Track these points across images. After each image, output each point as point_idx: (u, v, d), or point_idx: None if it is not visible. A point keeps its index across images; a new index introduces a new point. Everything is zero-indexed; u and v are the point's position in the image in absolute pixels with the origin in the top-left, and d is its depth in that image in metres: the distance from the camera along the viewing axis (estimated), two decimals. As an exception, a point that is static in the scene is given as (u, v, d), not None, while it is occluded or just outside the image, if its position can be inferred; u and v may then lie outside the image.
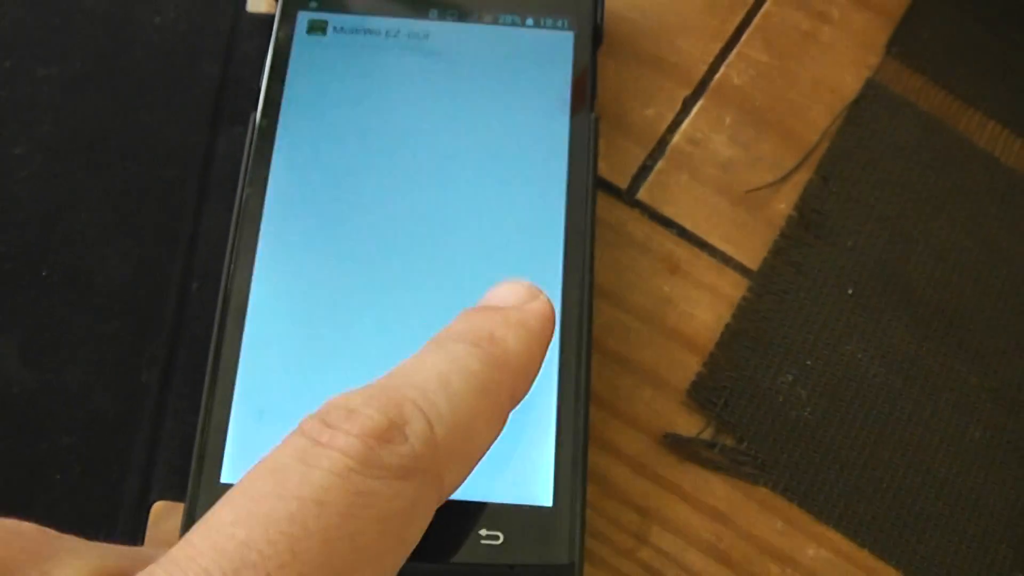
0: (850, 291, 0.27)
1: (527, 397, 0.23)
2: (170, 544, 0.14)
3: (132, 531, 0.25)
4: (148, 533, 0.25)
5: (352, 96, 0.27)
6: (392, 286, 0.25)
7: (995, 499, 0.25)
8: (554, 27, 0.28)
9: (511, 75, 0.28)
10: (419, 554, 0.21)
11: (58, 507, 0.25)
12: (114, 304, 0.26)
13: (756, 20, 0.30)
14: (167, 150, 0.27)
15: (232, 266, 0.25)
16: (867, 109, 0.28)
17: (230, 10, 0.29)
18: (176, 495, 0.24)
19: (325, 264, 0.25)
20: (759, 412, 0.25)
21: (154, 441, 0.25)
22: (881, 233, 0.27)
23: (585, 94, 0.28)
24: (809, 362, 0.26)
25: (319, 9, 0.28)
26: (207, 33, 0.28)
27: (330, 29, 0.28)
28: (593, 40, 0.28)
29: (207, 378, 0.24)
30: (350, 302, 0.25)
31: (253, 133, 0.26)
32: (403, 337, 0.24)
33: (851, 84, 0.29)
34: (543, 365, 0.23)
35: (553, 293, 0.25)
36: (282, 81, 0.27)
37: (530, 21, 0.28)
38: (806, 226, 0.27)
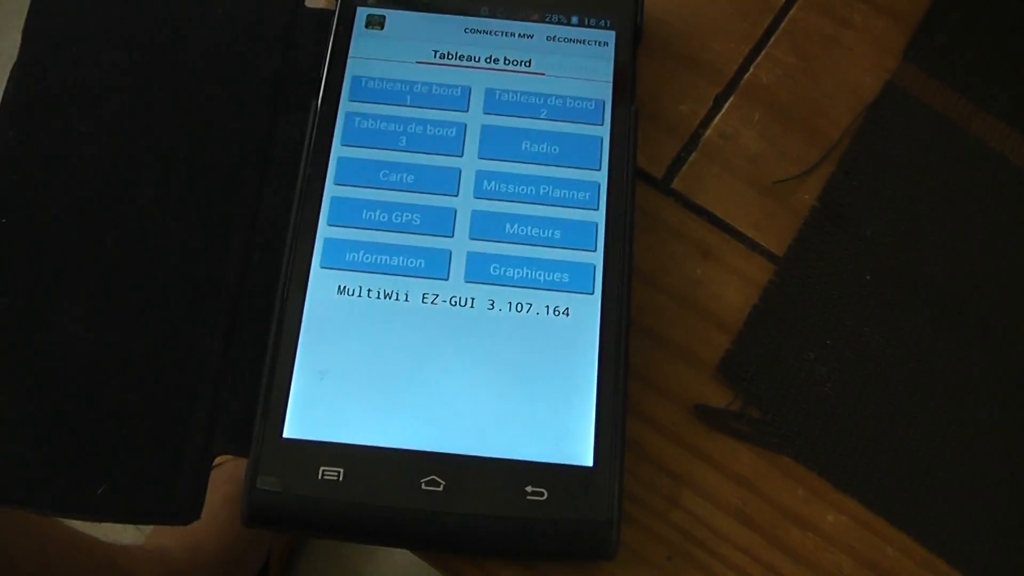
0: (868, 277, 0.29)
1: (572, 365, 0.26)
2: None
3: (195, 484, 0.27)
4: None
5: (406, 88, 0.30)
6: (448, 253, 0.28)
7: (1004, 472, 0.27)
8: (597, 26, 0.31)
9: (557, 70, 0.30)
10: (465, 506, 0.24)
11: (124, 458, 0.27)
12: (176, 274, 0.29)
13: (783, 24, 0.33)
14: (228, 134, 0.30)
15: (295, 237, 0.27)
16: (886, 110, 0.31)
17: (289, 4, 0.31)
18: (237, 450, 0.27)
19: (382, 235, 0.28)
20: (783, 387, 0.28)
21: (217, 400, 0.28)
22: (898, 225, 0.30)
23: (626, 89, 0.30)
24: (829, 342, 0.28)
25: (377, 5, 0.31)
26: (267, 26, 0.31)
27: (387, 24, 0.31)
28: (633, 39, 0.31)
29: (271, 340, 0.27)
30: (406, 268, 0.27)
31: (315, 117, 0.29)
32: (457, 296, 0.27)
33: (871, 86, 0.32)
34: (586, 338, 0.26)
35: (597, 274, 0.27)
36: (342, 71, 0.30)
37: (575, 19, 0.31)
38: (829, 216, 0.30)
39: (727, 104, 0.32)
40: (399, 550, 0.28)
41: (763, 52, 0.32)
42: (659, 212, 0.30)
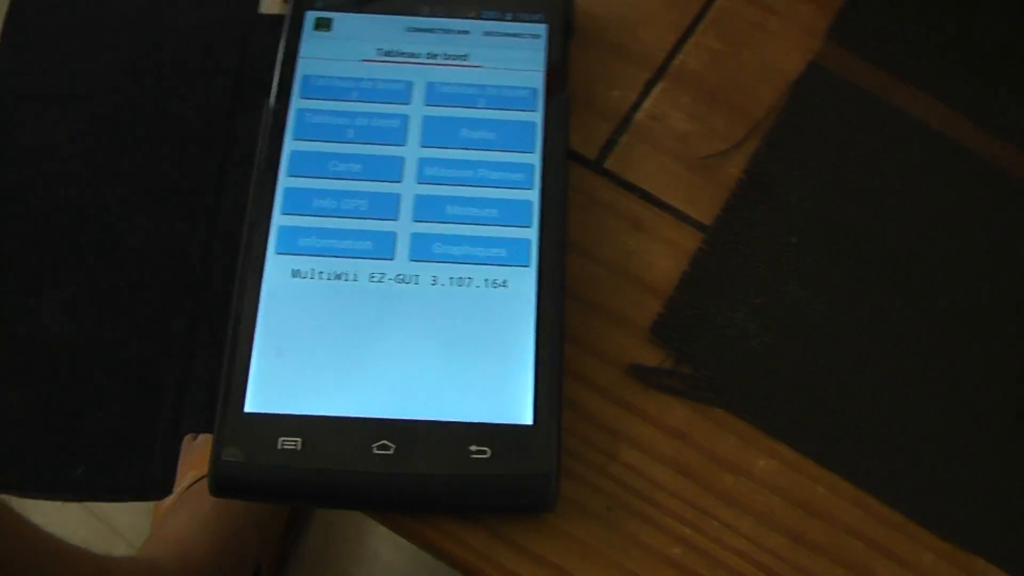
0: (794, 240, 0.32)
1: (511, 332, 0.28)
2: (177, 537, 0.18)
3: (166, 461, 0.29)
4: (152, 531, 0.30)
5: (353, 85, 0.32)
6: (393, 235, 0.30)
7: (925, 409, 0.30)
8: (530, 20, 0.34)
9: (493, 62, 0.33)
10: (414, 467, 0.27)
11: (101, 440, 0.29)
12: (145, 264, 0.31)
13: (711, 13, 0.35)
14: (192, 133, 0.33)
15: (251, 227, 0.30)
16: (810, 87, 0.34)
17: (245, 11, 0.34)
18: (204, 427, 0.29)
19: (332, 221, 0.30)
20: (713, 344, 0.30)
21: (184, 381, 0.30)
22: (822, 190, 0.32)
23: (558, 77, 0.33)
24: (757, 301, 0.31)
25: (324, 8, 0.34)
26: (225, 31, 0.34)
27: (334, 25, 0.33)
28: (565, 31, 0.34)
29: (231, 323, 0.29)
30: (355, 251, 0.30)
31: (269, 115, 0.32)
32: (403, 274, 0.29)
33: (796, 66, 0.34)
34: (524, 307, 0.29)
35: (532, 248, 0.30)
36: (292, 71, 0.32)
37: (509, 15, 0.34)
38: (754, 186, 0.32)
39: (656, 88, 0.34)
40: (385, 554, 0.31)
41: (691, 39, 0.35)
42: (593, 190, 0.32)
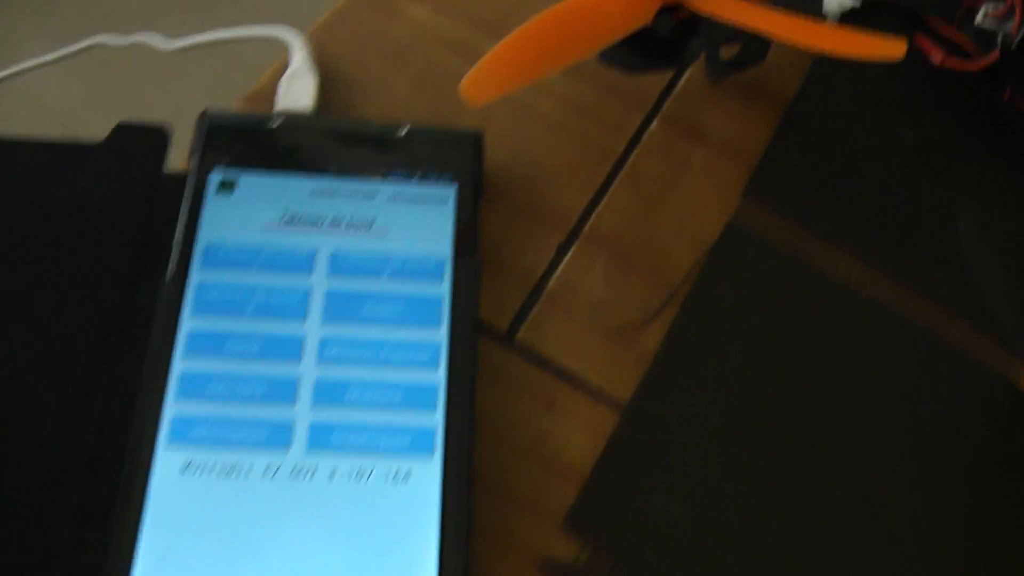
0: (714, 418, 0.31)
1: (413, 529, 0.27)
2: None
3: (40, 673, 0.27)
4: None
5: (255, 254, 0.31)
6: (290, 424, 0.29)
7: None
8: (439, 182, 0.33)
9: (399, 228, 0.32)
10: None
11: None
12: (35, 447, 0.29)
13: (625, 169, 0.34)
14: (90, 302, 0.31)
15: (142, 416, 0.28)
16: (727, 250, 0.33)
17: (150, 170, 0.33)
18: (83, 637, 0.27)
19: (228, 408, 0.29)
20: (633, 533, 0.29)
21: (63, 585, 0.28)
22: (744, 365, 0.32)
23: (467, 244, 0.32)
24: (679, 485, 0.30)
25: (229, 166, 0.32)
26: (129, 192, 0.32)
27: (238, 187, 0.32)
28: (474, 193, 0.33)
29: (115, 521, 0.27)
30: (250, 441, 0.28)
31: (166, 288, 0.30)
32: (299, 468, 0.28)
33: (713, 226, 0.34)
34: (427, 502, 0.27)
35: (438, 436, 0.29)
36: (193, 238, 0.31)
37: (417, 176, 0.33)
38: (672, 360, 0.31)
39: (570, 252, 0.33)
40: None
41: (605, 198, 0.34)
42: (504, 365, 0.31)
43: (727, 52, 0.35)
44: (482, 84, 0.30)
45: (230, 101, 0.37)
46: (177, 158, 0.34)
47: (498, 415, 0.31)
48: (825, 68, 0.38)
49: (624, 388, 0.32)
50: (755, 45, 0.34)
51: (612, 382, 0.32)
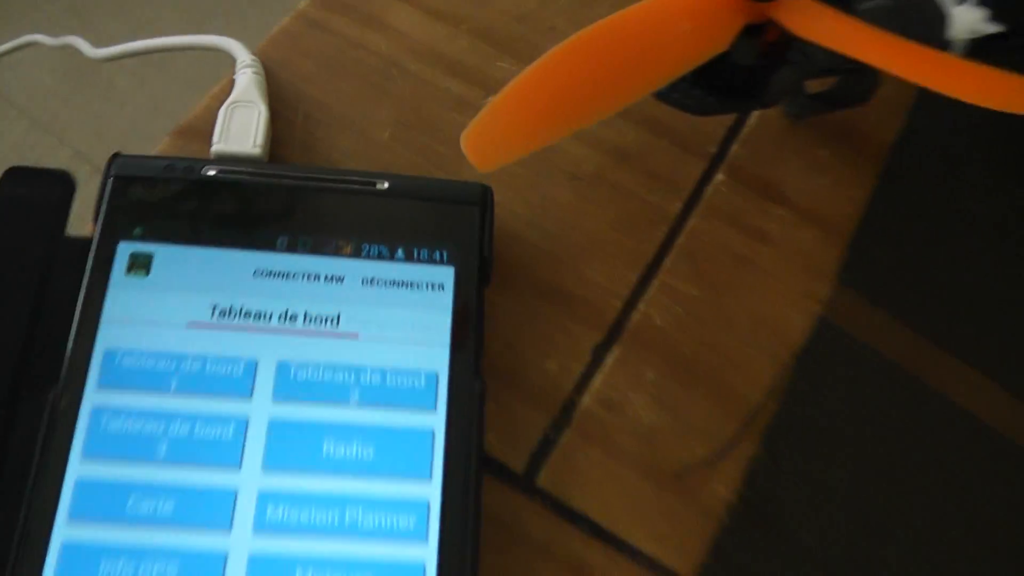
0: (808, 601, 0.22)
1: None
2: None
3: None
4: None
5: (172, 367, 0.22)
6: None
7: None
8: (430, 260, 0.24)
9: (375, 328, 0.23)
10: None
11: None
12: None
13: (680, 239, 0.26)
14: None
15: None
16: (820, 358, 0.24)
17: (45, 234, 0.24)
18: None
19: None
20: None
21: None
22: (847, 522, 0.23)
23: (468, 352, 0.23)
24: None
25: (144, 236, 0.23)
26: (14, 264, 0.23)
27: (155, 265, 0.23)
28: (479, 276, 0.24)
29: None
30: None
31: (50, 415, 0.21)
32: None
33: (800, 321, 0.25)
34: None
35: None
36: (91, 342, 0.22)
37: (400, 252, 0.24)
38: (752, 518, 0.23)
39: (610, 358, 0.24)
40: None
41: (655, 280, 0.25)
42: (521, 522, 0.23)
43: (814, 85, 0.26)
44: (494, 139, 0.21)
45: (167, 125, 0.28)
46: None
47: (511, 598, 0.22)
48: (932, 102, 0.29)
49: (686, 557, 0.23)
50: (860, 79, 0.26)
51: (668, 547, 0.23)
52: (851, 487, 0.24)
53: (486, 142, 0.22)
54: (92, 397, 0.22)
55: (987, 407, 0.25)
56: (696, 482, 0.24)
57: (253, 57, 0.27)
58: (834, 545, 0.23)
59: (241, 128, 0.26)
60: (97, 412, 0.22)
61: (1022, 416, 0.25)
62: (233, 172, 0.25)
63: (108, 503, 0.21)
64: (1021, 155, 0.28)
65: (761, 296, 0.26)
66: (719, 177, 0.27)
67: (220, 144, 0.26)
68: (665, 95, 0.24)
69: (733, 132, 0.28)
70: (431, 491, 0.22)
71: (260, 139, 0.26)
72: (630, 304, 0.25)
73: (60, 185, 0.25)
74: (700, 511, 0.24)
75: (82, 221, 0.25)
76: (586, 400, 0.24)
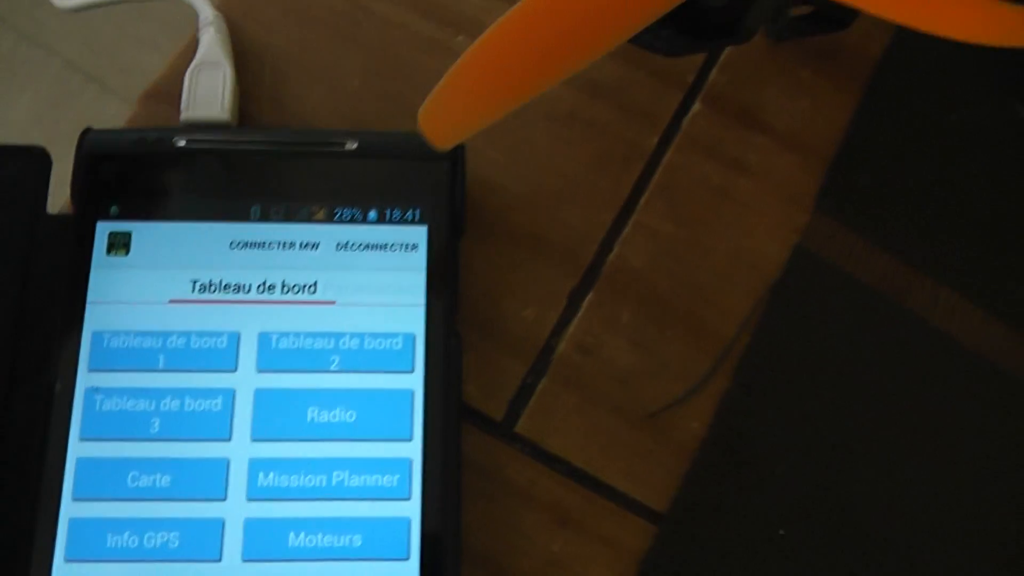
0: (782, 532, 0.24)
1: None
2: None
3: None
4: None
5: (157, 344, 0.24)
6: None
7: None
8: (403, 220, 0.25)
9: (351, 293, 0.24)
10: None
11: None
12: None
13: (657, 176, 0.26)
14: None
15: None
16: (796, 288, 0.25)
17: (24, 213, 0.25)
18: None
19: (133, 568, 0.23)
20: None
21: None
22: (819, 453, 0.24)
23: (443, 309, 0.24)
24: (732, 636, 0.23)
25: (121, 216, 0.25)
26: (4, 243, 0.25)
27: (134, 244, 0.25)
28: (452, 232, 0.25)
29: None
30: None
31: (46, 401, 0.24)
32: None
33: (777, 253, 0.25)
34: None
35: (408, 570, 0.23)
36: (80, 324, 0.24)
37: (373, 214, 0.25)
38: (724, 452, 0.24)
39: (585, 303, 0.26)
40: None
41: (631, 220, 0.26)
42: (502, 469, 0.25)
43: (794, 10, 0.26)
44: (451, 115, 0.22)
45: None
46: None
47: (494, 540, 0.24)
48: None
49: (660, 492, 0.25)
50: (837, 8, 0.25)
51: (644, 484, 0.25)
52: (826, 416, 0.25)
53: (443, 119, 0.22)
54: (84, 380, 0.24)
55: (969, 331, 0.26)
56: (670, 420, 0.25)
57: (215, 12, 0.27)
58: (807, 474, 0.25)
59: (208, 92, 0.27)
60: (90, 394, 0.24)
61: (1005, 339, 0.26)
62: (203, 141, 0.26)
63: (109, 481, 0.24)
64: (1017, 62, 0.27)
65: (739, 229, 0.26)
66: (696, 107, 0.27)
67: (188, 111, 0.26)
68: (634, 37, 0.24)
69: (712, 58, 0.28)
70: (412, 449, 0.24)
71: (227, 103, 0.26)
72: (605, 246, 0.26)
73: (37, 162, 0.26)
74: (674, 448, 0.25)
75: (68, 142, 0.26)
76: (563, 346, 0.26)
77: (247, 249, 0.25)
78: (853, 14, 0.26)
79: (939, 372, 0.26)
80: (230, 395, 0.24)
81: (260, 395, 0.24)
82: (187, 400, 0.24)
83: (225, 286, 0.25)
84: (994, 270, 0.26)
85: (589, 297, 0.26)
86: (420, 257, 0.25)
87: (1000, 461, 0.25)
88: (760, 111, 0.27)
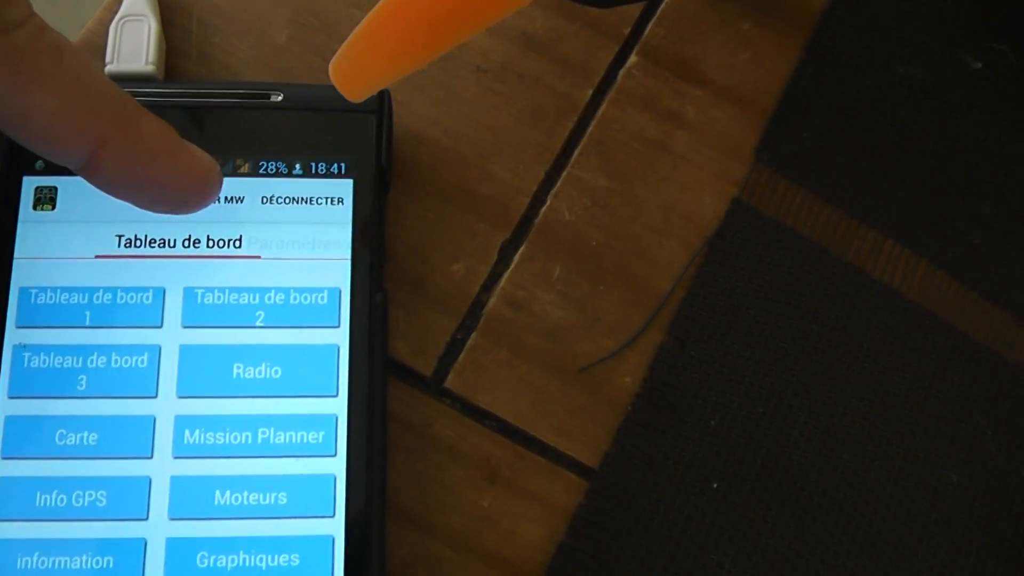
0: (715, 485, 0.25)
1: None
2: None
3: None
4: None
5: (84, 300, 0.25)
6: (142, 545, 0.23)
7: None
8: (328, 174, 0.25)
9: (276, 248, 0.25)
10: None
11: None
12: None
13: (590, 130, 0.27)
14: None
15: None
16: (733, 240, 0.26)
17: None
18: None
19: (60, 528, 0.24)
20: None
21: None
22: (753, 406, 0.25)
23: (369, 264, 0.25)
24: (661, 585, 0.24)
25: (46, 171, 0.25)
26: None
27: (59, 199, 0.25)
28: (378, 186, 0.25)
29: None
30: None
31: None
32: None
33: (714, 206, 0.26)
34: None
35: (334, 526, 0.23)
36: (7, 281, 0.25)
37: (298, 167, 0.25)
38: (657, 406, 0.25)
39: (517, 256, 0.26)
40: None
41: (564, 173, 0.27)
42: (431, 425, 0.25)
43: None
44: (364, 66, 0.22)
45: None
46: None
47: (422, 496, 0.25)
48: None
49: (592, 448, 0.26)
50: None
51: (575, 440, 0.26)
52: (761, 369, 0.26)
53: (355, 70, 0.22)
54: (12, 337, 0.25)
55: (911, 284, 0.26)
56: (602, 375, 0.26)
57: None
58: (740, 426, 0.25)
59: (132, 45, 0.27)
60: (18, 351, 0.25)
61: (949, 290, 0.26)
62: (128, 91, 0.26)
63: (37, 439, 0.24)
64: (959, 15, 0.28)
65: (674, 182, 0.27)
66: (633, 60, 0.28)
67: (112, 64, 0.27)
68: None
69: (650, 10, 0.28)
70: (338, 405, 0.25)
71: (152, 55, 0.27)
72: (538, 199, 0.27)
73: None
74: (605, 403, 0.26)
75: None
76: (493, 301, 0.26)
77: (172, 205, 0.26)
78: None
79: (879, 324, 0.26)
80: (156, 351, 0.25)
81: (185, 351, 0.25)
82: (113, 356, 0.25)
83: (151, 241, 0.26)
84: (938, 221, 0.27)
85: (520, 251, 0.27)
86: (346, 211, 0.26)
87: (939, 413, 0.26)
88: (699, 64, 0.28)
